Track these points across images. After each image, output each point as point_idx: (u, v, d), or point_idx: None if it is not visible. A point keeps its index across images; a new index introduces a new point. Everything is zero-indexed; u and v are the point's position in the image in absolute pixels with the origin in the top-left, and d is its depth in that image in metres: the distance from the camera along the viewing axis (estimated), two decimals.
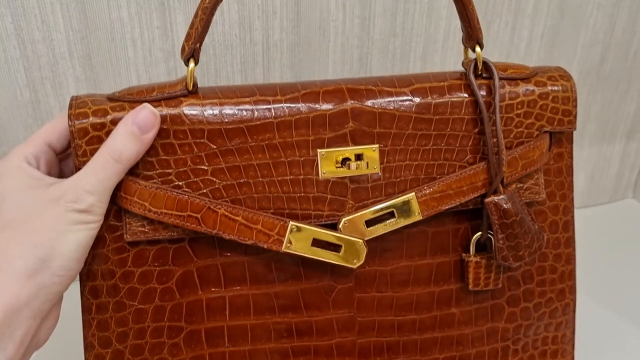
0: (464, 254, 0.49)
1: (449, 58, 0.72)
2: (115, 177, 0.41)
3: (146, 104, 0.42)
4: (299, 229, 0.43)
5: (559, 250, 0.52)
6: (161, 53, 0.64)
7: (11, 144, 0.64)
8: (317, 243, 0.44)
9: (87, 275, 0.44)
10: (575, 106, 0.49)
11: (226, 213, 0.43)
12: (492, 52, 0.74)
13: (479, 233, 0.48)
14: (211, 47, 0.65)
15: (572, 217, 0.52)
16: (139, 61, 0.64)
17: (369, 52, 0.70)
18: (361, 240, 0.45)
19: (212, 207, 0.42)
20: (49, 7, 0.60)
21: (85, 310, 0.45)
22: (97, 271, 0.44)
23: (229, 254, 0.45)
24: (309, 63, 0.69)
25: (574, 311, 0.54)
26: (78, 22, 0.61)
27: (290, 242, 0.43)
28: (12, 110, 0.63)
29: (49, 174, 0.43)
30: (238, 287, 0.46)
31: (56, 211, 0.39)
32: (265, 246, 0.43)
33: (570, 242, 0.52)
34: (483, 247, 0.49)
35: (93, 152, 0.42)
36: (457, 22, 0.71)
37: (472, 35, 0.47)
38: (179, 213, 0.42)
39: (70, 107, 0.42)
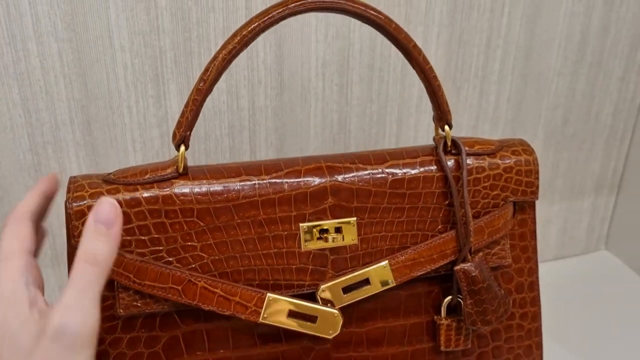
0: (435, 317, 0.49)
1: (423, 120, 0.73)
2: (97, 283, 0.36)
3: (103, 198, 0.40)
4: (275, 301, 0.43)
5: (525, 309, 0.52)
6: (155, 119, 0.64)
7: (13, 204, 0.63)
8: (294, 314, 0.44)
9: None
10: (537, 178, 0.49)
11: (205, 285, 0.42)
12: (462, 114, 0.75)
13: (450, 297, 0.48)
14: (201, 113, 0.65)
15: (537, 277, 0.52)
16: (134, 126, 0.64)
17: (347, 116, 0.71)
18: (337, 311, 0.44)
19: (192, 279, 0.42)
20: (53, 79, 0.60)
21: None
22: None
23: (213, 320, 0.45)
24: (292, 126, 0.69)
25: None
26: (79, 92, 0.61)
27: (267, 314, 0.43)
28: (15, 173, 0.63)
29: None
30: (222, 351, 0.45)
31: (42, 347, 0.34)
32: (243, 317, 0.43)
33: (535, 301, 0.52)
34: (454, 309, 0.49)
35: None
36: None
37: (442, 117, 0.48)
38: (161, 285, 0.42)
39: (68, 191, 0.42)
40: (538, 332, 0.53)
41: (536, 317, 0.53)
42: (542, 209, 0.85)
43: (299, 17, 0.64)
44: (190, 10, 0.61)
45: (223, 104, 0.66)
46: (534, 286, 0.52)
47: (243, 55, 0.64)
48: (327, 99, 0.69)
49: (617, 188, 0.88)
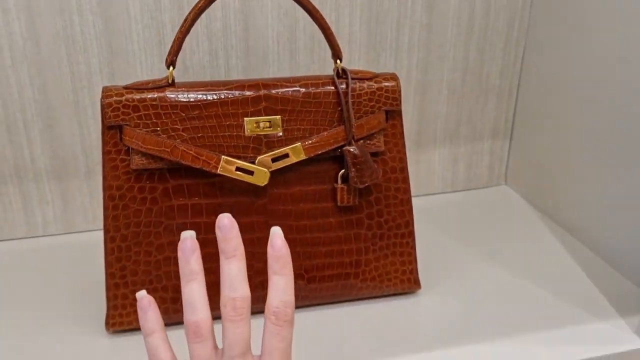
0: (335, 184, 0.74)
1: None
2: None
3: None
4: (227, 161, 0.68)
5: (397, 184, 0.77)
6: (158, 71, 0.90)
7: (60, 129, 0.89)
8: (239, 169, 0.68)
9: (107, 187, 0.68)
10: (400, 95, 0.74)
11: (184, 149, 0.67)
12: None
13: (343, 170, 0.74)
14: (191, 69, 0.91)
15: (406, 164, 0.76)
16: (144, 77, 0.90)
17: (297, 74, 0.96)
18: (266, 170, 0.70)
19: (176, 145, 0.67)
20: (89, 41, 0.86)
21: (105, 208, 0.69)
22: (112, 185, 0.68)
23: (190, 178, 0.69)
24: None
25: (413, 226, 0.78)
26: (106, 51, 0.87)
27: (221, 168, 0.68)
28: (62, 108, 0.89)
29: None
30: (196, 199, 0.70)
31: None
32: (207, 169, 0.67)
33: (405, 180, 0.77)
34: (346, 179, 0.74)
35: (115, 117, 0.67)
36: (357, 54, 0.98)
37: (335, 54, 0.73)
38: (158, 148, 0.67)
39: (102, 92, 0.68)
40: (408, 202, 0.77)
41: (406, 191, 0.77)
42: (451, 150, 1.09)
43: (259, 1, 0.90)
44: None
45: (206, 62, 0.92)
46: (403, 170, 0.76)
47: (220, 26, 0.90)
48: (281, 60, 0.95)
49: (509, 135, 1.12)
